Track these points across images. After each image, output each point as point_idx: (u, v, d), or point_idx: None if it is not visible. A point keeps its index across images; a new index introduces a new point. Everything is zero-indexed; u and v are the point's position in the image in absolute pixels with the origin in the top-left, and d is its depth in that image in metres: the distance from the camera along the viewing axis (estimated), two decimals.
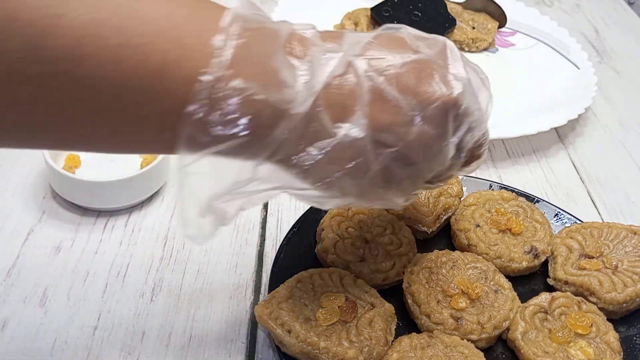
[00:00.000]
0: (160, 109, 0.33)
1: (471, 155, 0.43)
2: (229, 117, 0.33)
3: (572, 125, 0.81)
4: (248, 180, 0.37)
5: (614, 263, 0.55)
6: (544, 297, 0.53)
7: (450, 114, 0.39)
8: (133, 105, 0.33)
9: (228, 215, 0.39)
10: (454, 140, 0.40)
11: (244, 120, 0.33)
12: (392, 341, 0.49)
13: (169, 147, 0.35)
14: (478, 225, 0.58)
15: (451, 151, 0.40)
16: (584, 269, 0.55)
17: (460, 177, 0.63)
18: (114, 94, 0.32)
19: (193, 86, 0.32)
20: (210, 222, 0.38)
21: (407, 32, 0.40)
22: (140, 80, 0.32)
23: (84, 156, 0.64)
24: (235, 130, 0.34)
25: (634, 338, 0.53)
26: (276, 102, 0.34)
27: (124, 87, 0.32)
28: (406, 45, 0.39)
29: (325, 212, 0.58)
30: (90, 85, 0.31)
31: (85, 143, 0.35)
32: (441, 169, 0.41)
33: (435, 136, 0.39)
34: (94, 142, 0.35)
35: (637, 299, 0.53)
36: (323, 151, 0.36)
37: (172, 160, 0.66)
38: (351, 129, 0.36)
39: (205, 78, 0.32)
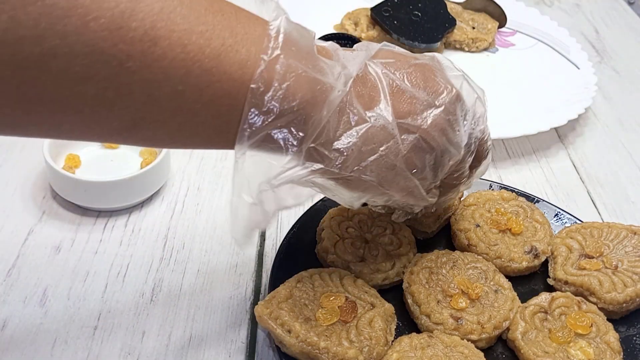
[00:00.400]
0: (219, 92, 0.36)
1: (479, 153, 0.49)
2: (286, 92, 0.37)
3: (572, 125, 0.81)
4: (298, 161, 0.40)
5: (614, 263, 0.55)
6: (544, 297, 0.53)
7: (457, 103, 0.45)
8: (195, 87, 0.36)
9: (268, 214, 0.42)
10: (465, 129, 0.46)
11: (298, 95, 0.38)
12: (392, 341, 0.49)
13: (220, 134, 0.38)
14: (478, 225, 0.58)
15: (464, 139, 0.46)
16: (584, 269, 0.55)
17: None
18: (179, 76, 0.35)
19: (247, 69, 0.36)
20: (253, 223, 0.42)
21: (400, 49, 0.47)
22: (202, 62, 0.35)
23: (84, 156, 0.64)
24: (291, 104, 0.38)
25: (634, 338, 0.53)
26: (324, 80, 0.39)
27: (189, 69, 0.35)
28: (406, 55, 0.46)
29: (325, 212, 0.58)
30: (160, 66, 0.34)
31: (140, 128, 0.37)
32: (457, 158, 0.46)
33: (448, 122, 0.44)
34: (151, 126, 0.37)
35: (637, 299, 0.53)
36: (358, 135, 0.41)
37: (173, 160, 0.66)
38: (380, 116, 0.41)
39: (264, 57, 0.37)
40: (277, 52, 0.37)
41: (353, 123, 0.41)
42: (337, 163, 0.41)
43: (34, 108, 0.33)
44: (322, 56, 0.40)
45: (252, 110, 0.37)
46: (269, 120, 0.37)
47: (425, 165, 0.44)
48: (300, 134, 0.39)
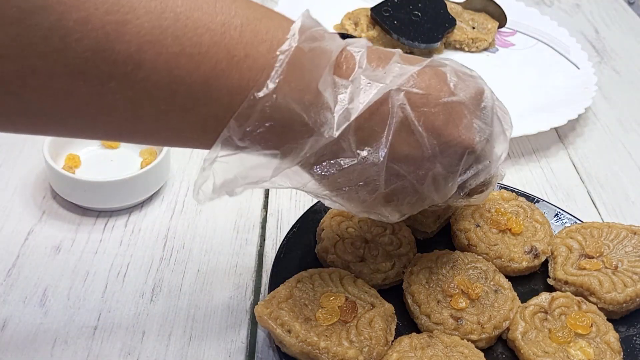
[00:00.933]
0: (205, 114, 0.35)
1: (474, 190, 0.47)
2: (267, 130, 0.35)
3: (572, 125, 0.81)
4: (270, 177, 0.39)
5: (614, 263, 0.55)
6: (544, 297, 0.53)
7: (464, 159, 0.42)
8: (180, 109, 0.35)
9: (237, 191, 0.41)
10: (458, 180, 0.43)
11: (279, 134, 0.36)
12: (392, 341, 0.49)
13: (204, 145, 0.37)
14: (478, 225, 0.58)
15: (454, 189, 0.43)
16: (584, 269, 0.55)
17: None
18: (164, 98, 0.34)
19: (237, 96, 0.34)
20: (216, 197, 0.40)
21: (451, 68, 0.42)
22: (190, 86, 0.34)
23: (84, 156, 0.64)
24: (269, 142, 0.36)
25: (634, 338, 0.53)
26: (312, 123, 0.36)
27: (174, 91, 0.34)
28: (446, 84, 0.41)
29: (325, 212, 0.58)
30: (144, 87, 0.33)
31: (127, 136, 0.37)
32: (438, 203, 0.44)
33: (444, 176, 0.42)
34: (136, 136, 0.37)
35: (637, 299, 0.53)
36: (340, 168, 0.38)
37: (173, 160, 0.66)
38: (371, 154, 0.38)
39: (255, 94, 0.35)
40: (271, 89, 0.35)
41: (339, 154, 0.38)
42: (308, 183, 0.40)
43: (18, 119, 0.33)
44: (341, 74, 0.38)
45: (228, 137, 0.36)
46: (243, 147, 0.36)
47: (402, 203, 0.43)
48: (275, 162, 0.38)
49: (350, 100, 0.37)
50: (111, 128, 0.35)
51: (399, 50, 0.42)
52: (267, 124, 0.35)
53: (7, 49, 0.30)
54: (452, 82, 0.41)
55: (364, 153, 0.38)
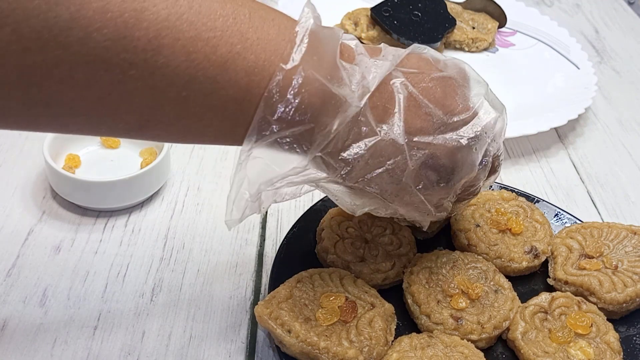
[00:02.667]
0: (225, 97, 0.36)
1: (492, 168, 0.48)
2: (299, 104, 0.37)
3: (572, 125, 0.81)
4: (301, 169, 0.40)
5: (614, 263, 0.55)
6: (544, 297, 0.53)
7: (472, 123, 0.44)
8: (200, 93, 0.35)
9: (263, 205, 0.42)
10: (482, 148, 0.45)
11: (310, 108, 0.37)
12: (392, 341, 0.49)
13: (227, 135, 0.38)
14: (478, 225, 0.58)
15: (478, 158, 0.45)
16: (584, 269, 0.55)
17: None
18: (183, 83, 0.35)
19: (254, 77, 0.36)
20: (248, 211, 0.42)
21: (431, 54, 0.45)
22: (207, 70, 0.35)
23: (84, 156, 0.64)
24: (302, 117, 0.37)
25: (634, 338, 0.53)
26: (339, 94, 0.38)
27: (193, 76, 0.35)
28: (432, 65, 0.44)
29: (325, 212, 0.58)
30: (163, 74, 0.34)
31: (148, 128, 0.37)
32: (470, 176, 0.45)
33: (463, 143, 0.43)
34: (158, 126, 0.37)
35: (637, 299, 0.53)
36: (367, 147, 0.40)
37: (173, 160, 0.66)
38: (390, 129, 0.40)
39: (283, 66, 0.36)
40: (297, 61, 0.37)
41: (363, 134, 0.40)
42: (342, 173, 0.41)
43: (42, 111, 0.34)
44: (345, 60, 0.39)
45: (262, 118, 0.37)
46: (277, 129, 0.37)
47: (432, 182, 0.44)
48: (307, 144, 0.39)
49: (362, 78, 0.40)
50: (133, 118, 0.36)
51: (383, 44, 0.44)
52: (298, 98, 0.37)
53: (30, 41, 0.30)
54: (436, 63, 0.45)
55: (385, 128, 0.40)
